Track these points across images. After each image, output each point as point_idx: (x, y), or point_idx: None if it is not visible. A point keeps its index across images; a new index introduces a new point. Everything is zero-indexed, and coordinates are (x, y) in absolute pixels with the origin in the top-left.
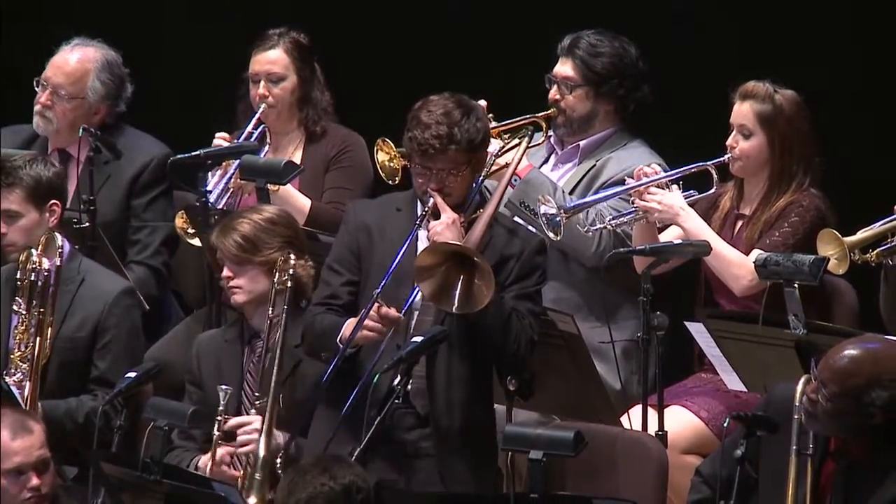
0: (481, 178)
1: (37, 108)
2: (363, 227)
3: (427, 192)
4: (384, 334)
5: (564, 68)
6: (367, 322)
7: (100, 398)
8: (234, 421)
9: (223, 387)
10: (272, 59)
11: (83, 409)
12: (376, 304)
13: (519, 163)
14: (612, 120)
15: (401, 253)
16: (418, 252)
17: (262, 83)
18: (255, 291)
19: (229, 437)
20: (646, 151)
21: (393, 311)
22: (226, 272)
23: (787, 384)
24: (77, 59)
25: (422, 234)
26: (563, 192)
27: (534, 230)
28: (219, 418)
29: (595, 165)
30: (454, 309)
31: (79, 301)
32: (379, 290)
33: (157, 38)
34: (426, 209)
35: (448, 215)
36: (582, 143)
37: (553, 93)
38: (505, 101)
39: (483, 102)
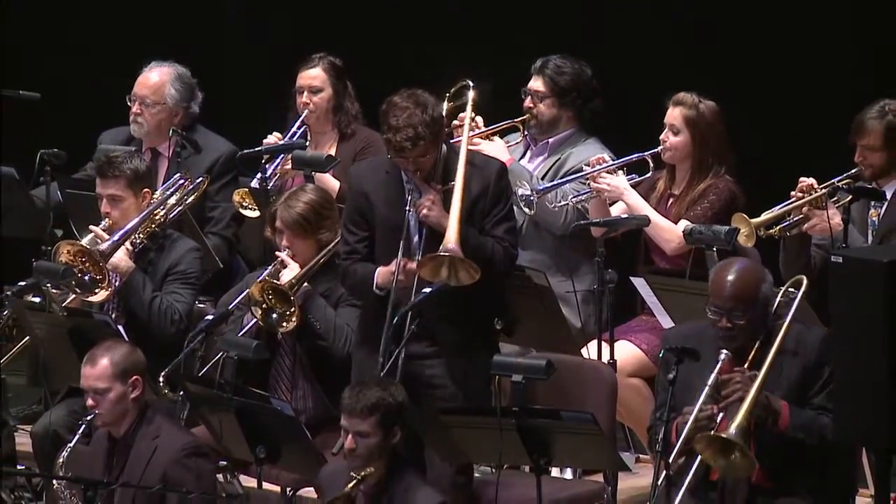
0: (444, 148)
1: (132, 117)
2: (362, 194)
3: (405, 170)
4: (411, 283)
5: (536, 83)
6: (399, 278)
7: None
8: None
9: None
10: (313, 75)
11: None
12: (403, 263)
13: (471, 123)
14: (572, 123)
15: (401, 244)
16: (412, 228)
17: (305, 94)
18: (307, 260)
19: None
20: (598, 147)
21: (412, 265)
22: (286, 242)
23: (674, 328)
24: (155, 73)
25: (412, 215)
26: (537, 178)
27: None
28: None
29: (560, 158)
30: (452, 284)
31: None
32: (400, 251)
33: (220, 59)
34: (410, 193)
35: (428, 195)
36: (550, 140)
37: (527, 102)
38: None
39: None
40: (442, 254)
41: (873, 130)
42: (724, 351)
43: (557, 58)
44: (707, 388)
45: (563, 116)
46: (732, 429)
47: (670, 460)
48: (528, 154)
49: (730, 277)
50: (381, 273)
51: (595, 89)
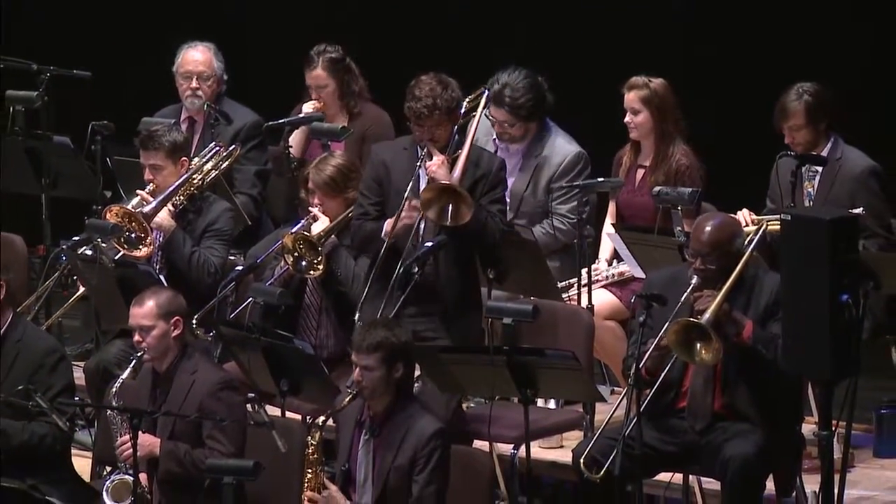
0: (456, 126)
1: (188, 93)
2: (381, 163)
3: (422, 141)
4: (415, 220)
5: (499, 113)
6: (403, 214)
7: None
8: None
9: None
10: (315, 76)
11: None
12: (408, 202)
13: (480, 116)
14: (537, 125)
15: (409, 185)
16: (420, 185)
17: (315, 91)
18: (336, 215)
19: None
20: (563, 140)
21: (416, 202)
22: (317, 200)
23: (654, 272)
24: (200, 51)
25: (422, 171)
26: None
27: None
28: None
29: (537, 165)
30: (448, 224)
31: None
32: (407, 192)
33: (251, 38)
34: (423, 153)
35: (438, 157)
36: (520, 147)
37: (497, 127)
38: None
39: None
40: (445, 182)
41: (796, 111)
42: (696, 276)
43: (507, 78)
44: (679, 305)
45: (531, 127)
46: (702, 320)
47: (647, 358)
48: (499, 153)
49: (708, 227)
50: (389, 221)
51: (546, 92)
